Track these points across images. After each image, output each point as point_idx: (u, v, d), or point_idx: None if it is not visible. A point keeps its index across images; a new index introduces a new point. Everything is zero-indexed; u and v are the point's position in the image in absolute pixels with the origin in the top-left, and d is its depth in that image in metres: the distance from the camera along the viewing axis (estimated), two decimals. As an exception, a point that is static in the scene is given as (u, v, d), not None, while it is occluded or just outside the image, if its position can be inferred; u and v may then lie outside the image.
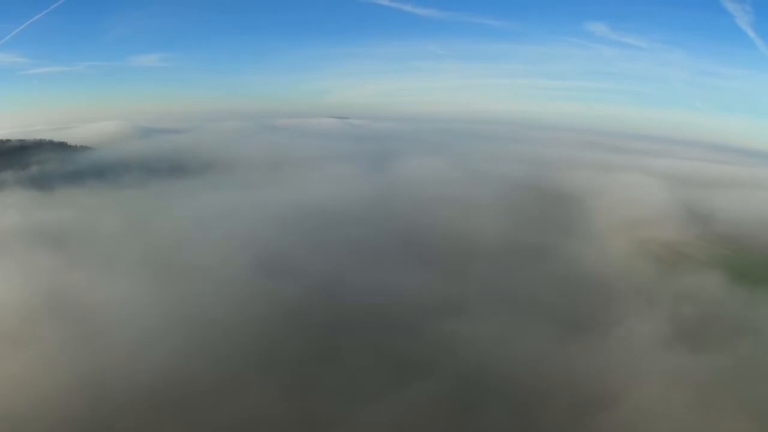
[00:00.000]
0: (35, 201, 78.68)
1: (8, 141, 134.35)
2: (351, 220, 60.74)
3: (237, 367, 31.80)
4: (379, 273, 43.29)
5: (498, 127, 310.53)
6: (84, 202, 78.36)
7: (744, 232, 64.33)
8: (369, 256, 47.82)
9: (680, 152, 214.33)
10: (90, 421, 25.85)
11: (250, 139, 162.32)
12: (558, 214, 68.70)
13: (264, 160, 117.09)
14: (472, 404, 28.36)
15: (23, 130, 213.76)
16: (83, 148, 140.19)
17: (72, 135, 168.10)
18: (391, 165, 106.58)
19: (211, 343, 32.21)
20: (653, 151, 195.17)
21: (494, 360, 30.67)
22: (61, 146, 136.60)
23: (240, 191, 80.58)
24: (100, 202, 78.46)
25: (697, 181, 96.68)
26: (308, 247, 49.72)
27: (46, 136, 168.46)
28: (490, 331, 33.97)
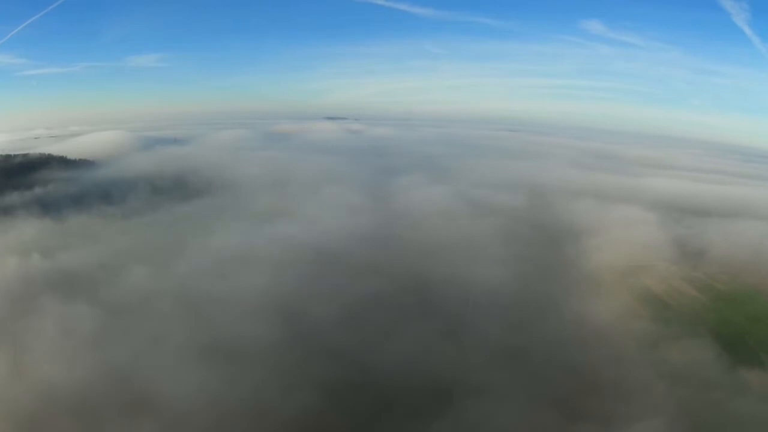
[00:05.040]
0: (49, 234, 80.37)
1: (9, 156, 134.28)
2: (360, 265, 63.17)
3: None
4: (390, 338, 46.16)
5: (496, 131, 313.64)
6: (98, 235, 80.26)
7: (744, 272, 67.14)
8: (380, 315, 50.46)
9: (679, 158, 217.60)
10: None
11: (250, 152, 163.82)
12: (556, 256, 71.39)
13: (266, 181, 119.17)
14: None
15: (23, 136, 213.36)
16: (84, 162, 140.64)
17: (72, 146, 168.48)
18: (392, 190, 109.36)
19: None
20: (651, 160, 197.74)
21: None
22: (63, 161, 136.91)
23: (248, 224, 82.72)
24: (114, 234, 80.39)
25: (695, 208, 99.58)
26: (325, 303, 52.40)
27: (46, 145, 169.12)
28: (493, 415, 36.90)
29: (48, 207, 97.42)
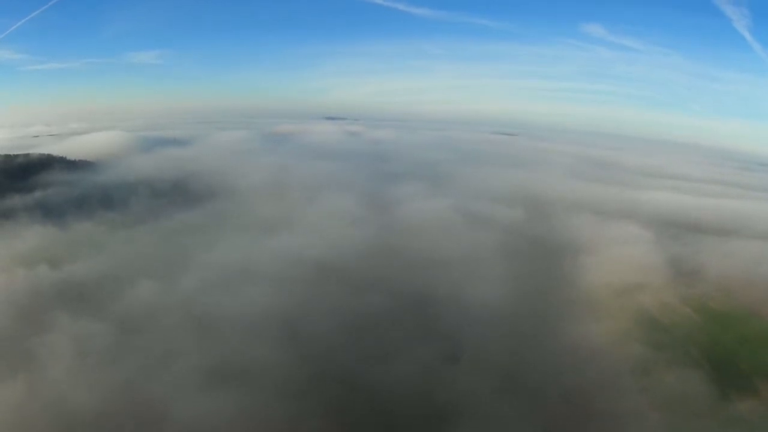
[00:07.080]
0: (53, 242, 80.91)
1: (9, 156, 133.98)
2: (359, 280, 64.39)
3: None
4: (387, 357, 47.44)
5: (494, 135, 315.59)
6: (101, 243, 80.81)
7: (738, 292, 68.35)
8: (379, 332, 51.55)
9: (677, 166, 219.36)
10: None
11: (250, 156, 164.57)
12: (553, 274, 72.53)
13: (266, 188, 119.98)
14: None
15: (22, 133, 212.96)
16: (84, 164, 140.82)
17: (71, 145, 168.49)
18: (391, 199, 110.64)
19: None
20: (650, 169, 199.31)
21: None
22: (63, 163, 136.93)
23: (250, 236, 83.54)
24: (117, 244, 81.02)
25: (693, 224, 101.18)
26: (326, 320, 53.44)
27: (46, 144, 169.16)
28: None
29: (50, 212, 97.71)
